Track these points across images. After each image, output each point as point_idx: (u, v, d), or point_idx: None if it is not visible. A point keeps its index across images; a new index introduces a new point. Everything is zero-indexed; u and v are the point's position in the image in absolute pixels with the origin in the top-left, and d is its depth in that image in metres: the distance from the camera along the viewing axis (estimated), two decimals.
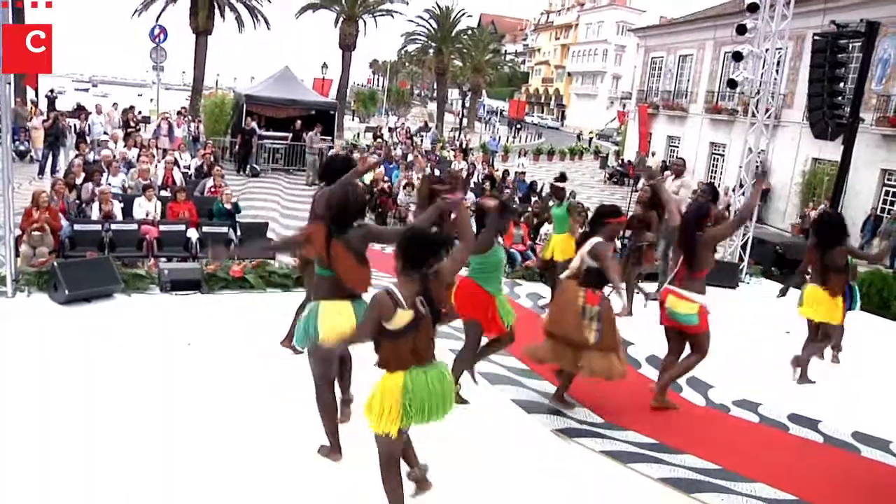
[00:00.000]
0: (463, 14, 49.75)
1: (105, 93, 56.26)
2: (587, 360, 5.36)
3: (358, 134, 37.60)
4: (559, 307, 5.59)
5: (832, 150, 17.67)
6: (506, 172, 20.88)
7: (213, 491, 4.11)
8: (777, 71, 13.06)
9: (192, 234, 10.61)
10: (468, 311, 5.33)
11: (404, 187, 16.26)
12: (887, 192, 20.74)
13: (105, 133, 19.00)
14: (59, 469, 4.15)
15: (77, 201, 11.27)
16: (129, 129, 19.73)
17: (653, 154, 32.10)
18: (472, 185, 18.70)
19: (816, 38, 13.05)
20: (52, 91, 27.55)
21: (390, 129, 33.95)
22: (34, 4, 7.56)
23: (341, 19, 38.42)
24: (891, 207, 20.12)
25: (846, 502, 4.66)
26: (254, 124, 20.96)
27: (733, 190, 14.06)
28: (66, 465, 4.21)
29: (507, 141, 43.73)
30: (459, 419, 5.36)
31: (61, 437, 4.52)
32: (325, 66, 38.79)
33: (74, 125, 20.09)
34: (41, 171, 16.95)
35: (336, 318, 4.18)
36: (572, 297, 5.42)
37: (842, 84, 12.90)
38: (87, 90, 63.55)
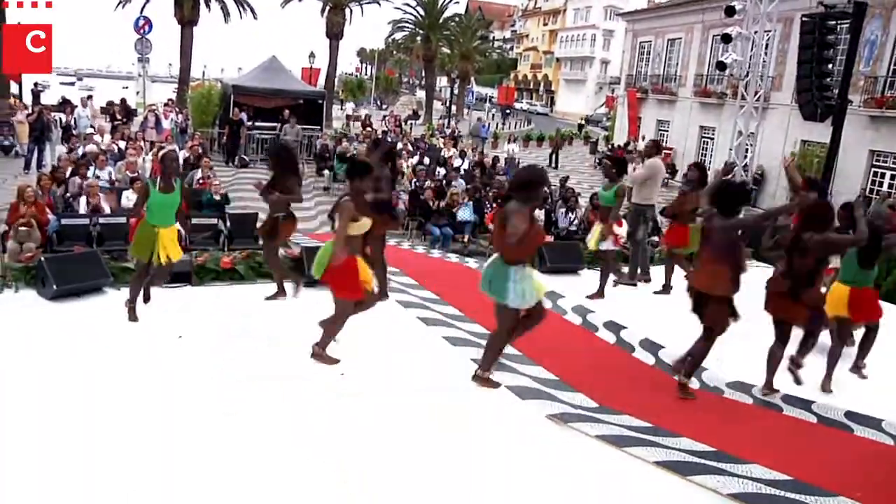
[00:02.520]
0: (450, 1, 49.58)
1: (91, 86, 55.58)
2: None
3: (347, 123, 37.43)
4: None
5: (821, 132, 17.70)
6: (495, 159, 20.82)
7: (210, 484, 4.08)
8: (766, 53, 13.06)
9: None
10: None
11: None
12: (875, 173, 20.83)
13: (91, 126, 18.85)
14: (54, 467, 4.11)
15: (65, 195, 11.18)
16: (116, 122, 19.57)
17: (643, 138, 32.10)
18: (461, 171, 18.66)
19: (805, 19, 13.05)
20: (36, 85, 27.26)
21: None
22: (34, 4, 7.59)
23: (328, 8, 38.11)
24: (879, 188, 20.21)
25: (840, 481, 4.67)
26: (242, 115, 20.81)
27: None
28: (61, 462, 4.17)
29: (497, 127, 43.66)
30: (454, 407, 5.38)
31: (56, 434, 4.48)
32: (312, 55, 38.59)
33: (60, 119, 19.92)
34: (27, 166, 16.81)
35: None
36: None
37: (830, 66, 12.91)
38: (72, 84, 62.86)
